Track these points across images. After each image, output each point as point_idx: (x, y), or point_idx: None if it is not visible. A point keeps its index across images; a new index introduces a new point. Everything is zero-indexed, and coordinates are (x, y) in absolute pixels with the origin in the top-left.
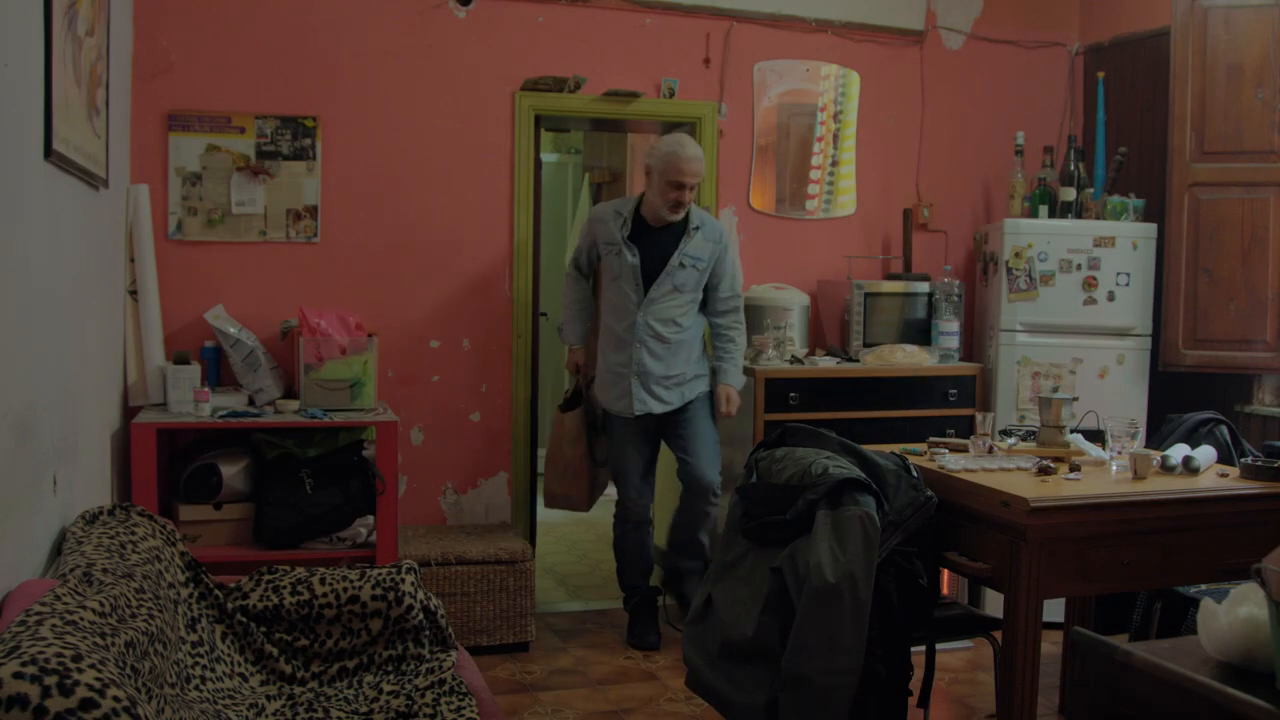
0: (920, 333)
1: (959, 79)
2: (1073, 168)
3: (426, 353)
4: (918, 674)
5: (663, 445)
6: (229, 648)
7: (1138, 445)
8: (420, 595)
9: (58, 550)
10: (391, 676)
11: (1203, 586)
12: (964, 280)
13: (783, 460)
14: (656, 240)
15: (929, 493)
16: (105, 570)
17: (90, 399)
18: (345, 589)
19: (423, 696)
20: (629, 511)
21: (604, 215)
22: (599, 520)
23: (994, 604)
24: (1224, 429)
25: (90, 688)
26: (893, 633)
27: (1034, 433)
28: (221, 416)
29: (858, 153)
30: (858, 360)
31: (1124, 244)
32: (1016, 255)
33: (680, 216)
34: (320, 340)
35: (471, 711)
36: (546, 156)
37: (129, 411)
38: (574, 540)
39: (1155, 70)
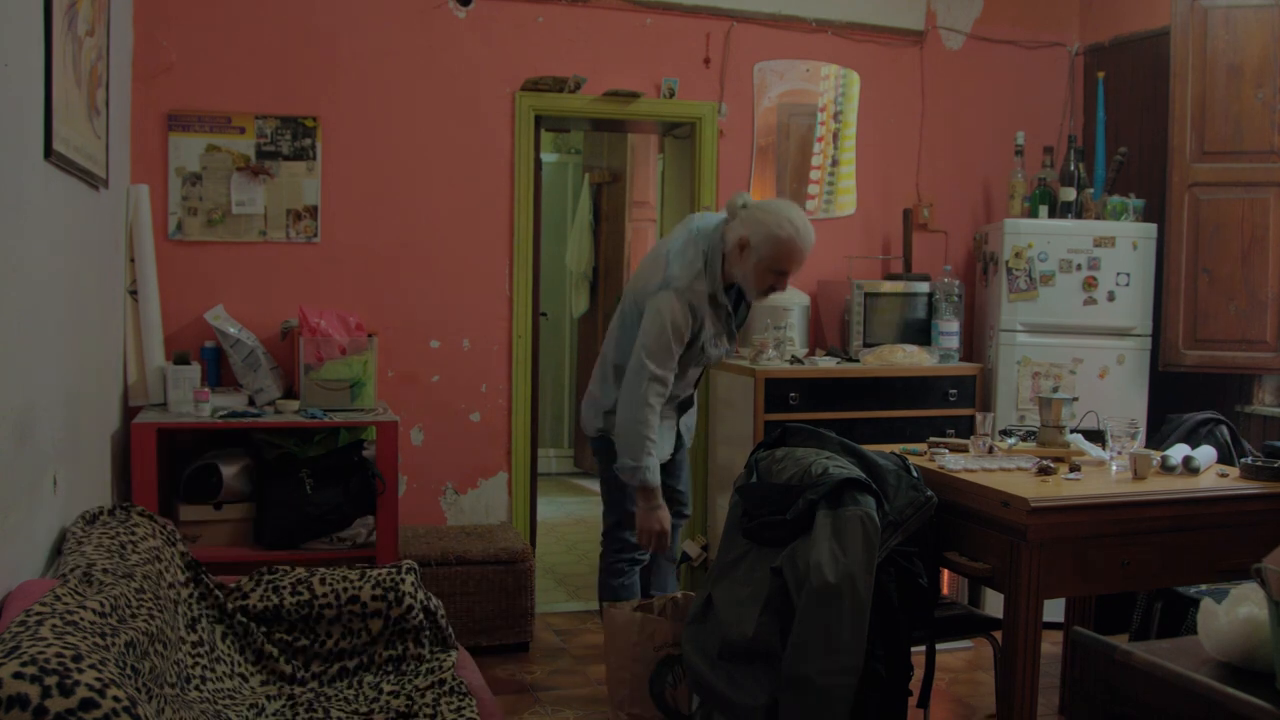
0: (920, 333)
1: (959, 79)
2: (1073, 168)
3: (426, 353)
4: (918, 674)
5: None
6: (229, 648)
7: (1138, 445)
8: (420, 595)
9: (58, 550)
10: (391, 677)
11: (1203, 586)
12: (964, 280)
13: (783, 460)
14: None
15: (929, 493)
16: (105, 570)
17: (90, 399)
18: (345, 589)
19: (423, 697)
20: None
21: (702, 307)
22: (599, 520)
23: (994, 604)
24: (1224, 429)
25: (90, 688)
26: (893, 633)
27: (1034, 432)
28: (221, 416)
29: (858, 153)
30: (858, 360)
31: (1124, 244)
32: (1016, 255)
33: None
34: (320, 340)
35: (471, 711)
36: (546, 156)
37: (129, 411)
38: (574, 540)
39: (1155, 70)
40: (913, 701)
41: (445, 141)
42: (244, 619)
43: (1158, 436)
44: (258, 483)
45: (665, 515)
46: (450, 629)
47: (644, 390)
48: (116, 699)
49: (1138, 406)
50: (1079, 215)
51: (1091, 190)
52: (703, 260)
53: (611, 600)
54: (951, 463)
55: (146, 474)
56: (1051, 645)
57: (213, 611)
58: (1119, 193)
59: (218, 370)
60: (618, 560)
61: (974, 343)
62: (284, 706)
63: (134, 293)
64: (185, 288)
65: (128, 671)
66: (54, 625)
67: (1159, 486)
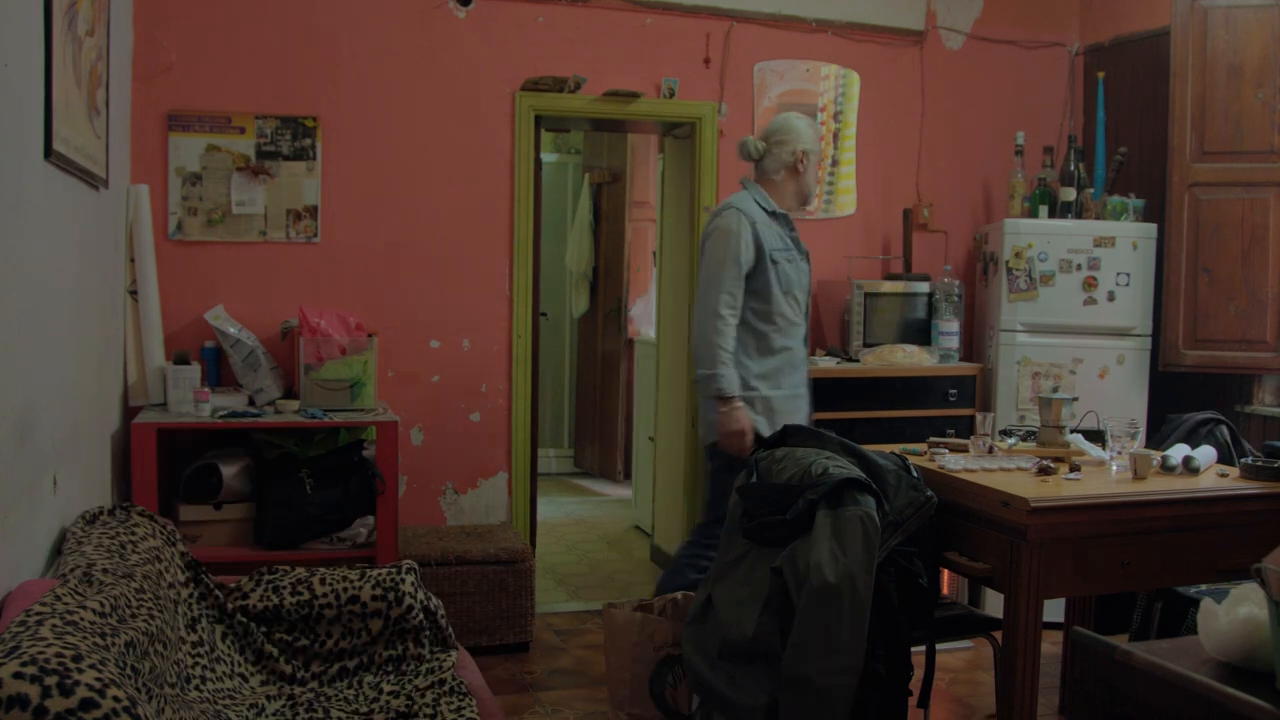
0: (920, 333)
1: (959, 79)
2: (1073, 168)
3: (426, 353)
4: (918, 674)
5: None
6: (229, 648)
7: (1138, 445)
8: (420, 595)
9: (58, 550)
10: (392, 676)
11: (1203, 586)
12: (964, 280)
13: (783, 460)
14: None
15: (929, 493)
16: (105, 570)
17: (90, 399)
18: (345, 589)
19: (423, 696)
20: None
21: (759, 218)
22: (599, 520)
23: (994, 604)
24: (1224, 429)
25: (90, 688)
26: (893, 633)
27: (1034, 433)
28: (221, 416)
29: (858, 153)
30: (858, 360)
31: (1124, 244)
32: (1016, 255)
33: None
34: (320, 340)
35: (471, 711)
36: (546, 156)
37: (129, 411)
38: (574, 540)
39: (1155, 70)
40: (913, 701)
41: (445, 141)
42: (244, 619)
43: (1158, 436)
44: (258, 483)
45: (744, 415)
46: (450, 629)
47: (715, 301)
48: (116, 699)
49: (1138, 406)
50: (1079, 215)
51: (1091, 190)
52: (747, 191)
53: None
54: (951, 463)
55: (146, 474)
56: (1051, 645)
57: (213, 611)
58: (1119, 193)
59: (218, 370)
60: (703, 557)
61: (974, 343)
62: (284, 706)
63: (134, 293)
64: (185, 288)
65: (128, 671)
66: (54, 625)
67: (1159, 486)
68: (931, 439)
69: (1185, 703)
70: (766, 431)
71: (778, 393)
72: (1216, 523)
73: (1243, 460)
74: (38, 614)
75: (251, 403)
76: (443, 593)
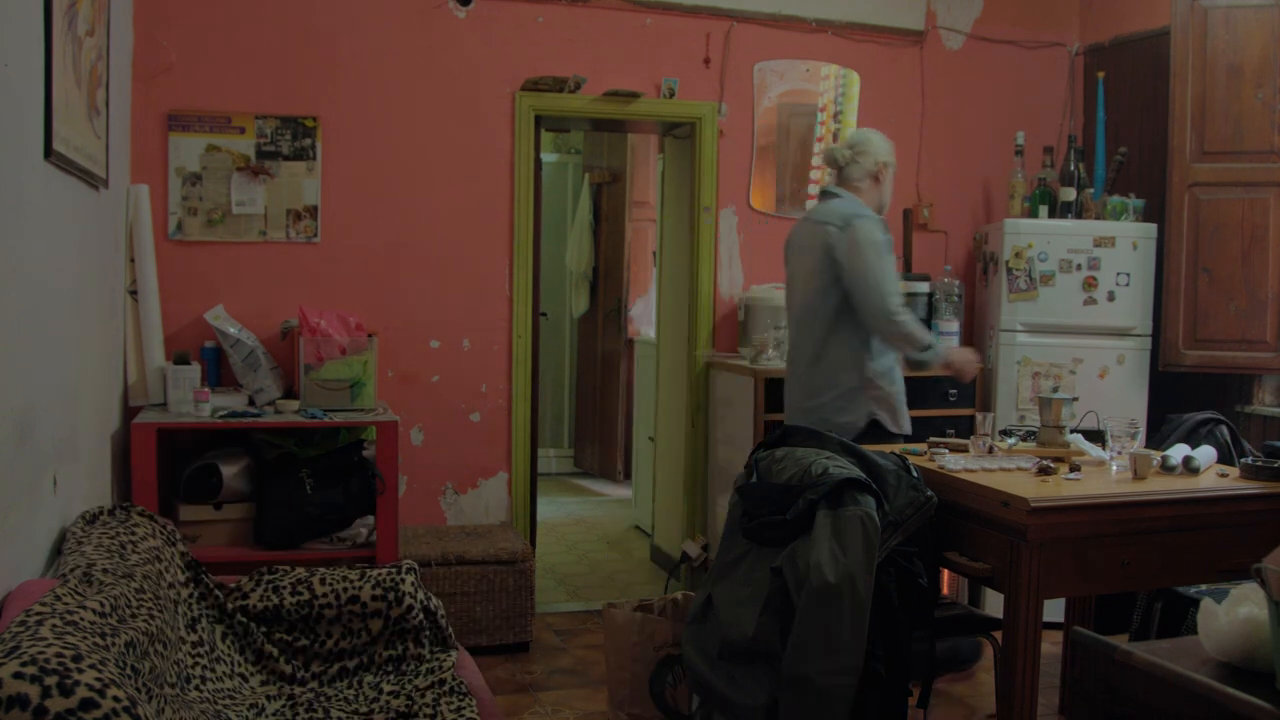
0: None
1: (959, 79)
2: (1073, 168)
3: (426, 353)
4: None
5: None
6: (229, 648)
7: (1138, 445)
8: (420, 595)
9: (58, 550)
10: (391, 677)
11: (1203, 586)
12: (964, 280)
13: (783, 460)
14: None
15: (929, 493)
16: (105, 570)
17: (90, 399)
18: (345, 589)
19: (423, 696)
20: None
21: (882, 225)
22: (599, 520)
23: (994, 604)
24: (1224, 429)
25: (90, 688)
26: (893, 633)
27: (1034, 432)
28: (221, 416)
29: None
30: None
31: (1124, 244)
32: (1016, 255)
33: None
34: (320, 340)
35: (471, 711)
36: (546, 156)
37: (129, 411)
38: (574, 540)
39: (1155, 70)
40: (913, 701)
41: (445, 141)
42: (244, 619)
43: (1158, 436)
44: (258, 483)
45: (958, 350)
46: (450, 629)
47: (889, 303)
48: (116, 699)
49: (1138, 406)
50: (1079, 215)
51: (1091, 190)
52: (842, 199)
53: None
54: (951, 463)
55: (146, 474)
56: (1051, 645)
57: (213, 611)
58: (1119, 193)
59: (218, 370)
60: None
61: (974, 342)
62: (284, 706)
63: (134, 293)
64: (185, 288)
65: (128, 671)
66: (54, 625)
67: (1159, 486)
68: (931, 439)
69: (1185, 703)
70: (891, 426)
71: (896, 388)
72: (1216, 523)
73: (1243, 460)
74: (38, 614)
75: (251, 403)
76: (443, 593)
